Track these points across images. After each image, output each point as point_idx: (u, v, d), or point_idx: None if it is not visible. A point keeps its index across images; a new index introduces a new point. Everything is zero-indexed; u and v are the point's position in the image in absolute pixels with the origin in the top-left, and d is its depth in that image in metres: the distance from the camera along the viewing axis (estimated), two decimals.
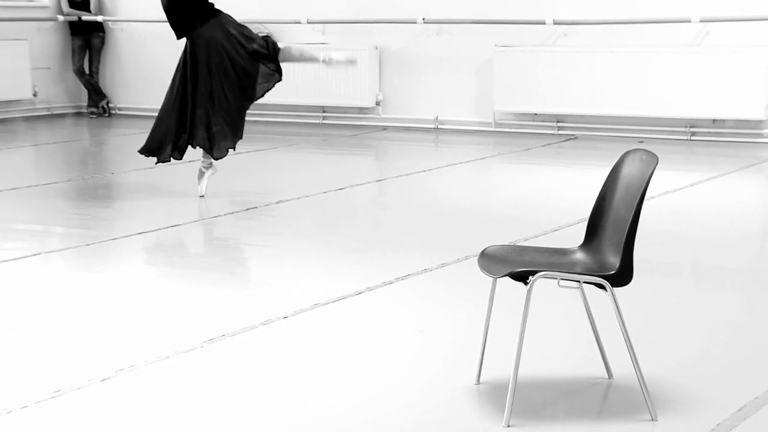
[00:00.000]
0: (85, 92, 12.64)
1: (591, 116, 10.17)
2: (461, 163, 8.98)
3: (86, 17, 12.27)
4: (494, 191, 8.06)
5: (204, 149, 7.23)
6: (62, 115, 12.46)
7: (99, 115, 12.48)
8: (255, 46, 7.19)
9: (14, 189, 7.77)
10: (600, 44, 10.05)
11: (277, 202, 7.21)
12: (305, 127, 10.93)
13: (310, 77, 11.20)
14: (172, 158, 7.28)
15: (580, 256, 3.67)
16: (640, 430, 3.40)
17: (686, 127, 9.85)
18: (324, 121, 11.46)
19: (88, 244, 6.04)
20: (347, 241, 6.14)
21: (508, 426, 3.39)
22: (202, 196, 7.30)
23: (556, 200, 7.25)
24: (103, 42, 12.52)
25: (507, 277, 3.46)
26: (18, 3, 12.19)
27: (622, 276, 3.44)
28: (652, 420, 3.44)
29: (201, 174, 7.37)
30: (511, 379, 3.42)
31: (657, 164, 3.46)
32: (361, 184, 8.05)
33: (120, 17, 12.49)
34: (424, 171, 8.52)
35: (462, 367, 3.90)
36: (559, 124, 10.40)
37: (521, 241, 5.85)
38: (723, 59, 9.47)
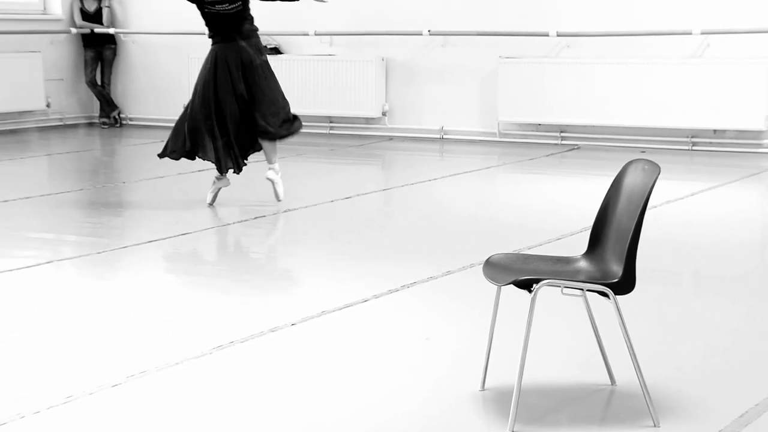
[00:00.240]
0: (97, 103, 12.67)
1: (594, 126, 10.19)
2: (466, 172, 9.01)
3: (98, 30, 12.32)
4: (498, 200, 8.10)
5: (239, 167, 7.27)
6: (75, 126, 12.47)
7: (111, 125, 12.51)
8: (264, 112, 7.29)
9: (27, 198, 7.81)
10: (603, 56, 10.08)
11: (285, 211, 7.25)
12: (313, 137, 10.94)
13: (318, 88, 11.27)
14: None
15: (583, 264, 3.69)
16: None
17: (687, 137, 9.87)
18: (331, 131, 11.48)
19: (99, 252, 6.09)
20: (354, 250, 6.18)
21: None
22: (211, 205, 7.35)
23: (559, 209, 7.26)
24: (114, 54, 12.57)
25: (511, 285, 3.48)
26: (32, 16, 12.23)
27: (624, 284, 3.46)
28: (655, 426, 3.46)
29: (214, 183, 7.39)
30: (515, 385, 3.44)
31: (659, 174, 3.47)
32: (368, 194, 8.09)
33: (131, 30, 12.53)
34: (430, 180, 8.54)
35: (467, 374, 3.92)
36: (562, 135, 10.42)
37: (525, 249, 5.86)
38: (723, 71, 9.50)
